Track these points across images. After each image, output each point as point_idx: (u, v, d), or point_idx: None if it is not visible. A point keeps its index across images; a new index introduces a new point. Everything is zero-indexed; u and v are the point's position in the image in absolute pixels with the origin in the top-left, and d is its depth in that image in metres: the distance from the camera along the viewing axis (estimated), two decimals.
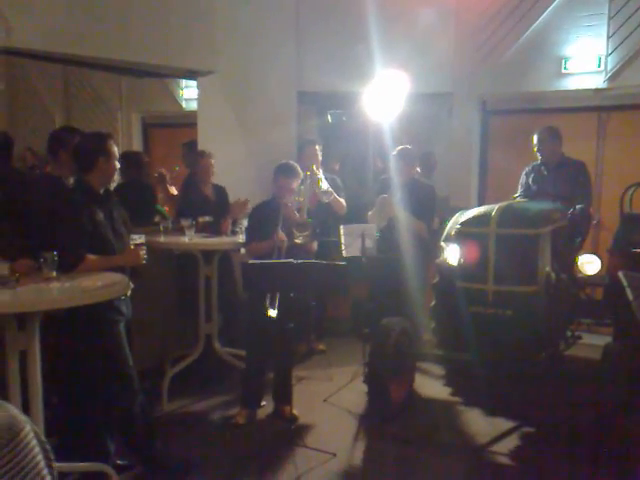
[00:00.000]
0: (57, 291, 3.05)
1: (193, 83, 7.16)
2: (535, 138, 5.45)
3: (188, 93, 8.46)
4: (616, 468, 3.72)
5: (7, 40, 4.54)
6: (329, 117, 7.92)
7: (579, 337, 5.02)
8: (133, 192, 5.56)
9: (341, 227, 5.11)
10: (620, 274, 3.89)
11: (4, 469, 0.53)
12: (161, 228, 5.11)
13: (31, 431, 0.55)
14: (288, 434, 4.27)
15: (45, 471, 0.56)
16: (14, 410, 0.56)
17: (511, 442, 4.25)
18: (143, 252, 3.63)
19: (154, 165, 8.11)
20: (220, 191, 5.59)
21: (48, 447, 0.57)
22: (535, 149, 5.46)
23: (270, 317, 4.17)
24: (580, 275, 4.82)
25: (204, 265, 5.02)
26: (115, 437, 3.74)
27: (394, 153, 5.43)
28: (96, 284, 3.15)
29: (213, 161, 5.44)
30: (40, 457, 0.55)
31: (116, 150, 3.68)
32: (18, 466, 0.54)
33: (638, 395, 3.58)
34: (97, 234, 3.53)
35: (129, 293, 3.48)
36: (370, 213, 5.45)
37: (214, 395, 5.03)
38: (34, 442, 0.55)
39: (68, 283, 3.13)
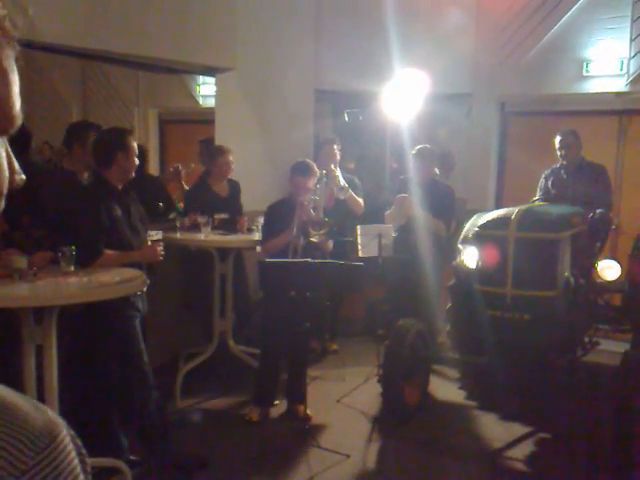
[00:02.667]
0: (75, 286, 3.04)
1: (210, 80, 7.15)
2: (559, 141, 5.36)
3: (205, 90, 8.47)
4: (634, 478, 3.66)
5: (28, 34, 4.54)
6: (346, 116, 7.88)
7: (597, 343, 4.96)
8: (147, 186, 5.53)
9: (358, 227, 5.07)
10: None
11: (43, 474, 0.52)
12: (177, 224, 5.10)
13: (67, 434, 0.54)
14: (301, 434, 4.25)
15: (82, 476, 0.54)
16: (51, 413, 0.55)
17: (526, 448, 4.20)
18: (160, 248, 3.63)
19: (170, 161, 8.13)
20: (234, 186, 5.56)
21: (83, 451, 0.56)
22: (559, 152, 5.37)
23: (287, 310, 4.15)
24: (599, 280, 4.76)
25: (219, 263, 5.00)
26: (128, 433, 3.74)
27: (413, 152, 5.39)
28: (114, 279, 3.15)
29: (231, 158, 5.42)
30: (77, 461, 0.54)
31: (135, 146, 3.67)
32: (56, 470, 0.53)
33: None
34: (115, 230, 3.53)
35: (145, 289, 3.47)
36: (387, 212, 5.41)
37: (227, 393, 5.02)
38: (71, 446, 0.54)
39: (86, 278, 3.13)
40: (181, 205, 6.16)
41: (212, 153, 5.55)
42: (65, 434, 0.55)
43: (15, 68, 0.66)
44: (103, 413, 3.62)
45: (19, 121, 0.66)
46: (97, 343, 3.53)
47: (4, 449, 0.51)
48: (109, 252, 3.44)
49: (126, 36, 5.06)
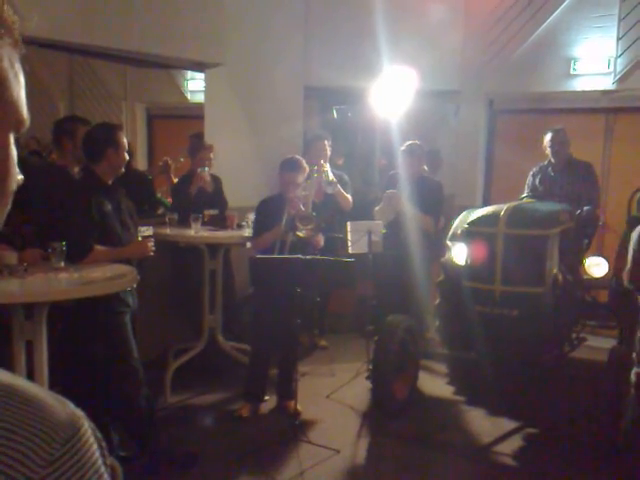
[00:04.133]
0: (65, 282, 3.03)
1: (199, 75, 7.12)
2: (550, 139, 5.39)
3: (193, 85, 8.41)
4: (620, 472, 3.71)
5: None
6: (334, 112, 7.89)
7: (584, 339, 5.02)
8: (132, 182, 5.51)
9: (348, 223, 5.09)
10: None
11: (67, 465, 0.53)
12: (167, 220, 5.08)
13: (89, 427, 0.55)
14: (291, 429, 4.26)
15: (102, 468, 0.55)
16: (72, 405, 0.56)
17: (514, 443, 4.25)
18: (151, 244, 3.62)
19: (157, 156, 8.09)
20: (217, 181, 5.56)
21: (103, 444, 0.57)
22: (549, 150, 5.40)
23: (277, 306, 4.16)
24: (586, 277, 4.81)
25: (209, 259, 5.00)
26: (118, 428, 3.73)
27: (402, 148, 5.41)
28: (105, 275, 3.14)
29: (212, 155, 5.41)
30: (98, 453, 0.55)
31: (125, 141, 3.66)
32: (80, 462, 0.54)
33: None
34: (105, 225, 3.52)
35: (135, 285, 3.46)
36: (377, 208, 5.43)
37: (217, 388, 5.02)
38: (92, 438, 0.55)
39: (76, 274, 3.12)
40: (169, 200, 6.15)
41: (194, 149, 5.54)
42: (87, 426, 0.56)
43: (21, 71, 0.67)
44: (93, 409, 3.60)
45: (28, 122, 0.67)
46: (87, 339, 3.51)
47: (30, 440, 0.51)
48: (100, 248, 3.43)
49: (114, 31, 5.03)
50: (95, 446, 0.55)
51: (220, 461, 3.95)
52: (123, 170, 3.68)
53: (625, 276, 2.67)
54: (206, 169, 5.32)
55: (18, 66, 0.66)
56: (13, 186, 0.66)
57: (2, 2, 0.62)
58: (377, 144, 7.54)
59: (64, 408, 0.55)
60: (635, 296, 3.78)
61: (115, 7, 4.99)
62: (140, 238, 3.61)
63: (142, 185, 5.67)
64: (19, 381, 0.56)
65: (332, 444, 4.09)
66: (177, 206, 5.34)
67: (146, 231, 3.62)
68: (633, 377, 2.57)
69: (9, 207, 0.67)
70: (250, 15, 6.22)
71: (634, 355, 2.61)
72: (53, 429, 0.53)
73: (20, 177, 0.69)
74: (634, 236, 2.61)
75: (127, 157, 3.67)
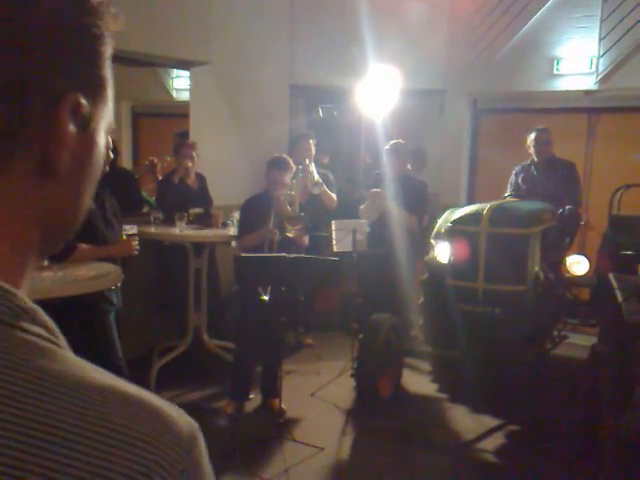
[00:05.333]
0: (49, 280, 3.03)
1: (184, 73, 7.12)
2: (534, 138, 5.43)
3: (178, 83, 8.40)
4: (600, 467, 3.76)
5: None
6: (320, 111, 7.91)
7: (565, 337, 5.08)
8: (117, 180, 5.50)
9: (332, 222, 5.11)
10: (611, 276, 3.94)
11: (192, 476, 0.53)
12: (151, 218, 5.08)
13: (202, 437, 0.56)
14: (276, 427, 4.28)
15: (212, 473, 0.57)
16: (186, 414, 0.57)
17: (497, 440, 4.29)
18: (135, 243, 3.62)
19: (143, 154, 8.07)
20: (202, 179, 5.56)
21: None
22: (533, 149, 5.44)
23: (262, 305, 4.18)
24: (568, 275, 4.87)
25: (194, 257, 5.01)
26: None
27: (387, 147, 5.44)
28: (89, 274, 3.14)
29: (195, 152, 5.41)
30: (208, 459, 0.56)
31: (110, 139, 3.65)
32: (201, 472, 0.55)
33: (623, 395, 3.62)
34: (88, 224, 3.49)
35: (120, 283, 3.46)
36: (362, 207, 5.46)
37: (202, 387, 5.02)
38: (204, 446, 0.56)
39: (61, 272, 3.12)
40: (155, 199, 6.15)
41: (177, 147, 5.53)
42: (201, 434, 0.56)
43: None
44: None
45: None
46: (71, 338, 3.50)
47: (164, 451, 0.51)
48: (84, 246, 3.42)
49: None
50: (207, 457, 0.56)
51: None
52: (107, 168, 3.67)
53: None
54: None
55: None
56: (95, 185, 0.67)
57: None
58: (362, 143, 7.57)
59: (182, 417, 0.56)
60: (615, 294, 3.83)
61: None
62: (124, 237, 3.61)
63: (127, 183, 5.66)
64: (142, 392, 0.56)
65: (316, 442, 4.12)
66: (161, 204, 5.33)
67: (130, 230, 3.63)
68: None
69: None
70: (236, 14, 6.23)
71: None
72: (180, 438, 0.53)
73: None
74: None
75: (111, 155, 3.66)
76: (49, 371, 0.51)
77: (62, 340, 0.59)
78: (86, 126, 0.59)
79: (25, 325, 0.54)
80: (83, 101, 0.58)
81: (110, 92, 0.64)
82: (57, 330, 0.59)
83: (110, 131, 0.66)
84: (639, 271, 2.72)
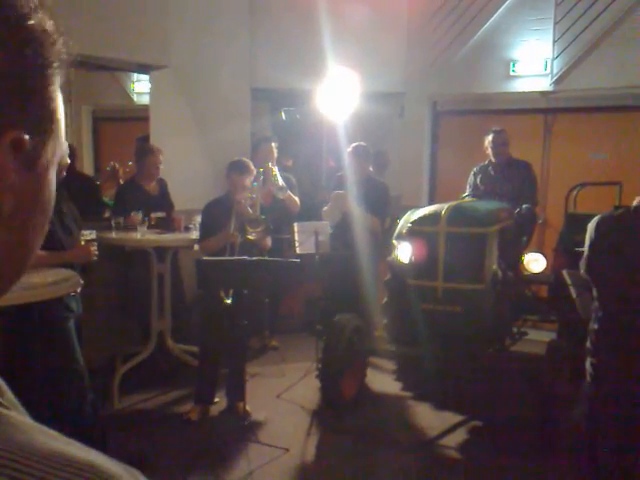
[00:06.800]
0: None
1: (144, 77, 7.07)
2: (492, 139, 5.51)
3: (139, 87, 8.33)
4: (559, 460, 3.86)
5: None
6: (282, 114, 7.93)
7: (525, 333, 5.17)
8: (76, 185, 5.45)
9: (295, 224, 5.14)
10: (564, 272, 4.04)
11: None
12: (113, 224, 5.05)
13: None
14: (241, 430, 4.28)
15: None
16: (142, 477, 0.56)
17: (459, 436, 4.37)
18: (94, 248, 3.59)
19: (104, 160, 7.98)
20: (163, 184, 5.54)
21: None
22: (491, 150, 5.53)
23: (225, 308, 4.18)
24: (526, 273, 4.96)
25: (157, 262, 4.98)
26: (65, 435, 3.69)
27: (349, 150, 5.49)
28: (46, 280, 3.11)
29: (161, 157, 5.39)
30: None
31: (66, 145, 3.63)
32: None
33: (579, 389, 3.72)
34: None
35: (79, 290, 3.44)
36: (325, 209, 5.50)
37: (167, 392, 5.00)
38: None
39: None
40: None
41: (142, 152, 5.50)
42: None
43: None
44: (37, 416, 3.56)
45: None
46: (30, 346, 3.47)
47: None
48: (40, 252, 3.38)
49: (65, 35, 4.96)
50: None
51: (169, 464, 3.95)
52: (64, 173, 3.64)
53: (581, 265, 2.78)
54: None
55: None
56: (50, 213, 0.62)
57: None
58: (325, 146, 7.61)
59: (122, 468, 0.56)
60: (570, 290, 3.93)
61: (57, 9, 4.92)
62: (83, 242, 3.58)
63: (86, 188, 5.62)
64: (91, 454, 0.53)
65: (281, 443, 4.13)
66: (119, 209, 5.28)
67: (89, 235, 3.59)
68: (589, 367, 2.69)
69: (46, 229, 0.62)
70: (194, 16, 6.22)
71: (588, 344, 2.73)
72: None
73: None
74: (590, 226, 2.73)
75: (68, 160, 3.63)
76: None
77: (9, 397, 0.56)
78: (31, 165, 0.55)
79: None
80: (26, 138, 0.53)
81: (61, 125, 0.59)
82: (4, 387, 0.56)
83: (63, 166, 0.62)
84: (580, 266, 2.79)
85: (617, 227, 2.60)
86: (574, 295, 3.78)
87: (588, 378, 2.68)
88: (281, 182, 5.64)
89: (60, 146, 0.60)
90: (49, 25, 0.58)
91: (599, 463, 2.67)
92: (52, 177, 0.59)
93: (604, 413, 2.62)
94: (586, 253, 2.71)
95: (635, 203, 2.56)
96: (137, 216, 4.98)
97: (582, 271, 2.79)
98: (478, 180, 5.68)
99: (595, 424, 2.65)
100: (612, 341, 2.61)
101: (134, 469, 0.56)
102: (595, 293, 2.69)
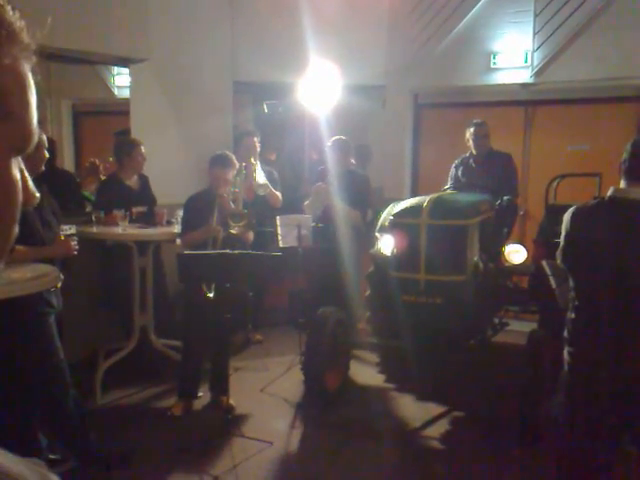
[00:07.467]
0: None
1: (125, 70, 7.01)
2: (473, 132, 5.54)
3: (120, 80, 8.26)
4: (539, 450, 3.90)
5: None
6: (265, 107, 7.90)
7: (506, 324, 5.22)
8: (56, 180, 5.39)
9: (277, 218, 5.14)
10: (544, 263, 4.08)
11: None
12: (93, 218, 5.01)
13: None
14: (225, 424, 4.29)
15: None
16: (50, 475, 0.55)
17: (442, 426, 4.40)
18: (74, 243, 3.57)
19: (85, 154, 7.92)
20: (144, 178, 5.51)
21: None
22: (472, 142, 5.56)
23: (208, 302, 4.18)
24: (507, 264, 4.99)
25: (139, 256, 4.96)
26: (46, 431, 3.67)
27: (329, 144, 5.49)
28: (25, 276, 3.08)
29: (144, 150, 5.35)
30: None
31: (45, 138, 3.59)
32: None
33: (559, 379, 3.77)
34: (25, 224, 3.44)
35: (59, 285, 3.41)
36: (307, 202, 5.50)
37: (150, 387, 4.99)
38: None
39: None
40: None
41: (125, 147, 5.45)
42: None
43: (32, 83, 0.61)
44: (19, 412, 3.54)
45: (36, 138, 0.61)
46: (11, 342, 3.44)
47: None
48: (19, 248, 3.36)
49: (34, 26, 4.91)
50: None
51: (152, 459, 3.94)
52: (43, 168, 3.60)
53: (558, 255, 2.81)
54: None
55: (27, 79, 0.59)
56: (18, 213, 0.60)
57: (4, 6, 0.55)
58: (307, 139, 7.60)
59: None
60: (550, 280, 3.97)
61: (36, 2, 4.87)
62: (63, 237, 3.55)
63: (66, 183, 5.57)
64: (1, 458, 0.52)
65: (265, 437, 4.14)
66: (100, 204, 5.24)
67: (69, 230, 3.57)
68: (566, 356, 2.72)
69: (16, 233, 0.61)
70: (175, 9, 6.18)
71: (565, 334, 2.76)
72: None
73: (37, 195, 0.65)
74: (566, 217, 2.76)
75: (47, 155, 3.60)
76: None
77: None
78: None
79: None
80: None
81: (25, 111, 0.57)
82: None
83: (25, 149, 0.60)
84: (556, 256, 2.82)
85: (592, 217, 2.63)
86: (554, 285, 3.82)
87: (565, 367, 2.71)
88: (262, 179, 5.63)
89: (21, 132, 0.57)
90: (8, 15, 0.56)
91: (573, 451, 2.71)
92: (11, 170, 0.57)
93: (578, 402, 2.66)
94: (562, 243, 2.74)
95: (609, 193, 2.59)
96: (118, 214, 4.95)
97: (559, 261, 2.81)
98: (459, 172, 5.70)
99: (571, 413, 2.68)
100: (587, 330, 2.64)
101: (41, 464, 0.55)
102: (571, 283, 2.72)
